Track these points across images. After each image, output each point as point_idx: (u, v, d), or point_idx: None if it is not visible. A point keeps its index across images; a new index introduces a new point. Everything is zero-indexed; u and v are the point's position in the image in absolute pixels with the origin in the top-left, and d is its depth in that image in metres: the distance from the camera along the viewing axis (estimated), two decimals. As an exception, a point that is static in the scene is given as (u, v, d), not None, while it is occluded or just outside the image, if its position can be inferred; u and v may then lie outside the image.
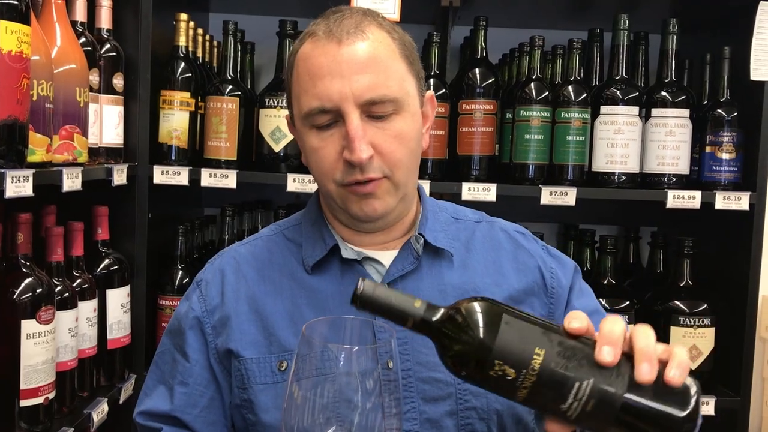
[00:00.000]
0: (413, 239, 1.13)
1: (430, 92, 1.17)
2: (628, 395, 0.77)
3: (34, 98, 1.34)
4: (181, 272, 2.02)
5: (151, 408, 1.16)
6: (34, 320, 1.43)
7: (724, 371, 2.06)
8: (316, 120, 1.05)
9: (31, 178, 1.30)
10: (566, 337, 0.80)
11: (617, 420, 0.77)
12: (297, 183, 1.91)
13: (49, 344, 1.46)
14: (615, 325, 0.79)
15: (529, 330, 0.80)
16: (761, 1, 1.93)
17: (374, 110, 1.04)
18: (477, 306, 0.82)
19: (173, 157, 1.95)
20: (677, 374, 0.78)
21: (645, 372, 0.77)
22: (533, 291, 1.17)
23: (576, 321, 0.80)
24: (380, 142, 1.04)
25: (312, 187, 1.92)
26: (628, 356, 0.79)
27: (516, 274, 1.17)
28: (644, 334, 0.80)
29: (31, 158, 1.35)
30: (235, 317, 1.11)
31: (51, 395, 1.48)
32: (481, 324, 0.80)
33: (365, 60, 1.03)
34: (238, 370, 1.10)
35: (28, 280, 1.43)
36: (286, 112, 1.96)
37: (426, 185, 1.91)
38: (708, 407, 1.97)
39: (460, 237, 1.19)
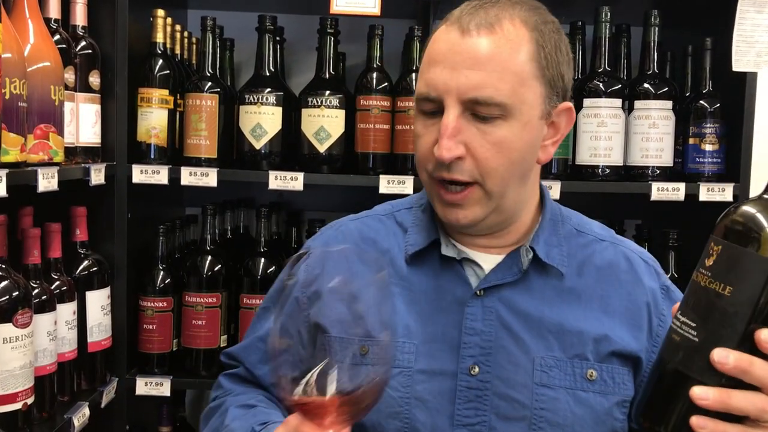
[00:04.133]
0: (523, 250, 1.08)
1: (567, 104, 1.08)
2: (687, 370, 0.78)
3: (7, 97, 1.31)
4: (162, 273, 1.99)
5: (231, 351, 1.24)
6: (11, 324, 1.39)
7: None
8: (423, 106, 1.03)
9: (4, 179, 1.27)
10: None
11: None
12: (279, 180, 1.89)
13: (27, 348, 1.43)
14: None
15: None
16: (742, -8, 1.93)
17: (478, 110, 0.99)
18: None
19: (152, 156, 1.92)
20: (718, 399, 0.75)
21: (716, 354, 0.75)
22: (636, 337, 1.09)
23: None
24: (476, 145, 1.00)
25: (294, 185, 1.90)
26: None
27: (622, 316, 1.10)
28: None
29: (4, 158, 1.32)
30: (329, 293, 1.09)
31: (30, 400, 1.45)
32: None
33: (481, 56, 0.98)
34: (322, 345, 1.08)
35: (3, 283, 1.40)
36: (266, 108, 1.97)
37: (410, 180, 1.90)
38: (694, 399, 1.96)
39: (578, 256, 1.12)
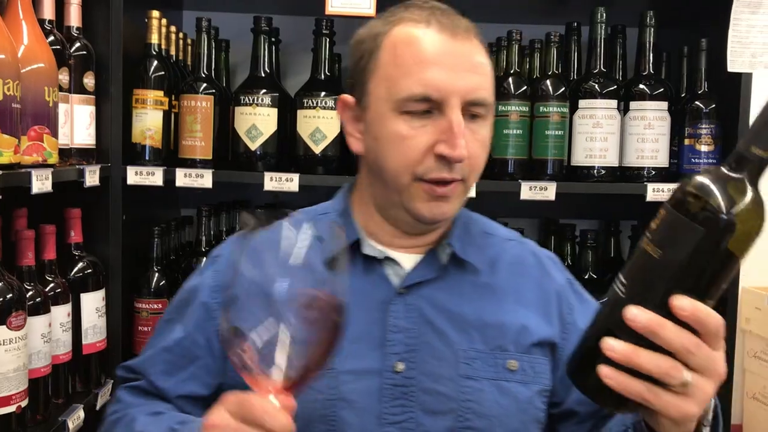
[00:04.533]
0: (441, 248, 1.11)
1: None
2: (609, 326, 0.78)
3: (0, 98, 1.30)
4: (157, 274, 1.98)
5: (130, 364, 1.18)
6: (5, 326, 1.39)
7: (705, 364, 2.06)
8: (414, 106, 1.01)
9: (-2, 181, 1.27)
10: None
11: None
12: (274, 182, 1.88)
13: (21, 351, 1.42)
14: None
15: None
16: (737, -7, 1.93)
17: (473, 111, 1.02)
18: None
19: (147, 157, 1.91)
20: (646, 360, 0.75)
21: (629, 311, 0.75)
22: (550, 323, 1.14)
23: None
24: (469, 143, 1.02)
25: (290, 186, 1.90)
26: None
27: (536, 306, 1.14)
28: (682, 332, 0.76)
29: (-2, 160, 1.31)
30: (246, 298, 1.09)
31: (24, 403, 1.44)
32: None
33: (475, 60, 1.03)
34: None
35: (-3, 286, 1.40)
36: (261, 109, 1.96)
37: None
38: (690, 400, 1.97)
39: (489, 254, 1.16)
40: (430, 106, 1.01)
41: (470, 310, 1.10)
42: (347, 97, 1.12)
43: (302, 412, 1.02)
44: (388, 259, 1.11)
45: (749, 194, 0.74)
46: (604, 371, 0.76)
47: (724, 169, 0.76)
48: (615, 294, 0.79)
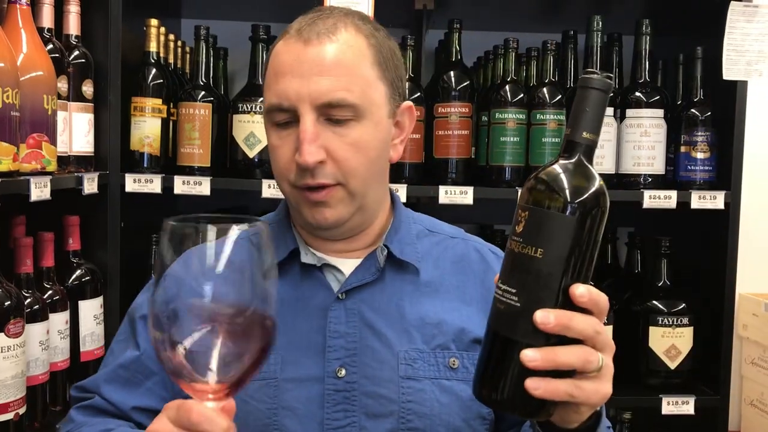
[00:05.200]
0: (378, 250, 1.11)
1: (408, 102, 1.14)
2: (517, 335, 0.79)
3: (-1, 106, 1.31)
4: (155, 282, 1.98)
5: (83, 384, 1.17)
6: (3, 334, 1.39)
7: (703, 370, 2.07)
8: (275, 117, 1.05)
9: (-4, 188, 1.27)
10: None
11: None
12: (272, 189, 1.89)
13: (19, 358, 1.43)
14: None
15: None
16: (732, 1, 1.94)
17: (332, 114, 1.02)
18: None
19: (145, 165, 1.92)
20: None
21: (538, 316, 0.77)
22: None
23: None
24: (335, 148, 1.03)
25: (287, 193, 1.90)
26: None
27: (479, 303, 1.14)
28: (589, 321, 0.79)
29: (-4, 168, 1.32)
30: (177, 303, 1.09)
31: (21, 410, 1.44)
32: None
33: (328, 62, 1.02)
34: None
35: (-5, 293, 1.40)
36: (260, 117, 1.97)
37: (403, 189, 1.90)
38: (688, 406, 1.97)
39: (432, 252, 1.17)
40: (289, 116, 1.03)
41: (411, 310, 1.10)
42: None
43: (244, 422, 1.00)
44: (328, 266, 1.12)
45: (595, 174, 0.81)
46: (531, 384, 0.77)
47: (563, 160, 0.81)
48: (507, 306, 0.80)
